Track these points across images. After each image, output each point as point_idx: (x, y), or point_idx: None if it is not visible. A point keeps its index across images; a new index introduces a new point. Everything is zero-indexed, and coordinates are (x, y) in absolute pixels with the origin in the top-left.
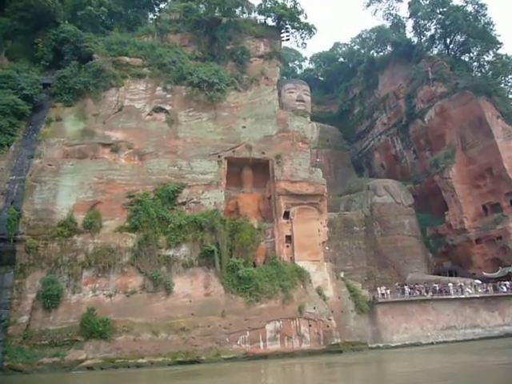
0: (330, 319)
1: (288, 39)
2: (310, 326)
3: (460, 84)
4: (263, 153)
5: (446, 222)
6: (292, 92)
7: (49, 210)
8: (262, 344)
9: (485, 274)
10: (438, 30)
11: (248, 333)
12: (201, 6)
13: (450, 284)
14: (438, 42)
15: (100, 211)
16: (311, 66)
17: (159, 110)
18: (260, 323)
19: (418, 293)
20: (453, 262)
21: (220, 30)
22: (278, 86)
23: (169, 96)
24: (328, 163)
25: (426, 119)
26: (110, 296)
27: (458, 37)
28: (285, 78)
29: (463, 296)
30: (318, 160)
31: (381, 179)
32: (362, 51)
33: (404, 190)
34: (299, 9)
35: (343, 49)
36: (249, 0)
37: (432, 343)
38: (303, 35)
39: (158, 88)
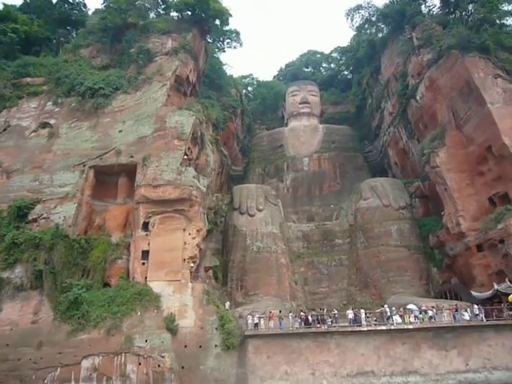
0: (162, 356)
1: (208, 30)
2: (139, 364)
3: (444, 44)
4: (131, 156)
5: (444, 224)
6: (295, 95)
7: None
8: None
9: (473, 293)
10: None
11: (59, 369)
12: (113, 14)
13: (362, 310)
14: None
15: None
16: (332, 66)
17: (45, 125)
18: (75, 358)
19: (316, 322)
20: (459, 277)
21: (128, 34)
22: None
23: (57, 110)
24: (333, 169)
25: (418, 97)
26: None
27: None
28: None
29: (384, 328)
30: (185, 157)
31: (371, 179)
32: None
33: (397, 190)
34: None
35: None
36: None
37: None
38: (222, 22)
39: (49, 103)
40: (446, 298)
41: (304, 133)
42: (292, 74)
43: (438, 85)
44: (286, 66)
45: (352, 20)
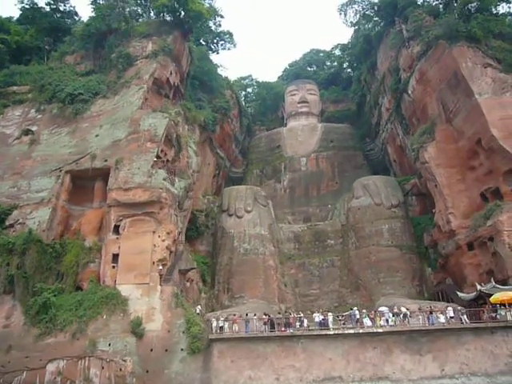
0: (124, 360)
1: (190, 32)
2: (102, 368)
3: (431, 34)
4: (106, 160)
5: (435, 222)
6: (294, 94)
7: None
8: None
9: (459, 294)
10: None
11: (25, 373)
12: (97, 20)
13: (329, 313)
14: None
15: None
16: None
17: (27, 132)
18: (41, 362)
19: (283, 325)
20: (452, 278)
21: (110, 39)
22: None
23: (39, 116)
24: (331, 168)
25: (409, 91)
26: None
27: None
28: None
29: (352, 331)
30: (156, 159)
31: (364, 177)
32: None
33: (390, 188)
34: None
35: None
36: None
37: None
38: (203, 23)
39: (32, 110)
40: (440, 300)
41: (302, 132)
42: (295, 73)
43: (428, 77)
44: (290, 65)
45: (345, 15)
